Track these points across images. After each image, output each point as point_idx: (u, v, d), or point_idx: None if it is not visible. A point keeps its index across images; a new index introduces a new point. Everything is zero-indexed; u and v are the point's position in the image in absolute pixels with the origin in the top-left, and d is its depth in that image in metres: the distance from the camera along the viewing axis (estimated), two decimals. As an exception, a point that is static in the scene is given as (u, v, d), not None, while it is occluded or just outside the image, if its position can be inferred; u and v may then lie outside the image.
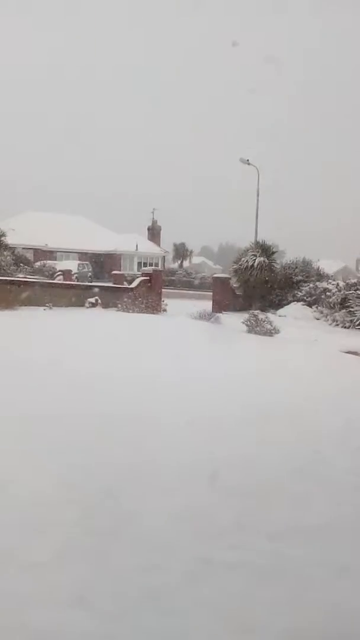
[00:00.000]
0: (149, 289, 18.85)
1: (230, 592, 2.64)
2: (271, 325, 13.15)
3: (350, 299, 17.44)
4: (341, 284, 19.13)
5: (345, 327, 17.04)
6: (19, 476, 3.66)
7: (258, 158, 29.20)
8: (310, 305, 19.50)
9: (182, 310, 15.92)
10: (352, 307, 17.13)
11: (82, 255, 42.47)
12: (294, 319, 17.90)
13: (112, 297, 17.74)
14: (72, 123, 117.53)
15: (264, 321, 13.31)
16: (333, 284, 19.46)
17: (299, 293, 20.56)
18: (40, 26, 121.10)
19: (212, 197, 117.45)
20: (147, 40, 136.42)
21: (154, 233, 51.78)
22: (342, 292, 18.23)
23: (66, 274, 29.91)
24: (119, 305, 16.89)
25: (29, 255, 37.35)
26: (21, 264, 28.49)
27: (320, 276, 22.40)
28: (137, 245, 46.10)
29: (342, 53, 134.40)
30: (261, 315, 13.79)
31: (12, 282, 16.38)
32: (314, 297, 19.57)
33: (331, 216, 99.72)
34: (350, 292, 17.70)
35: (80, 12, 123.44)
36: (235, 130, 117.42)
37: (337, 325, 17.49)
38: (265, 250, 22.31)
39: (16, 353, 7.85)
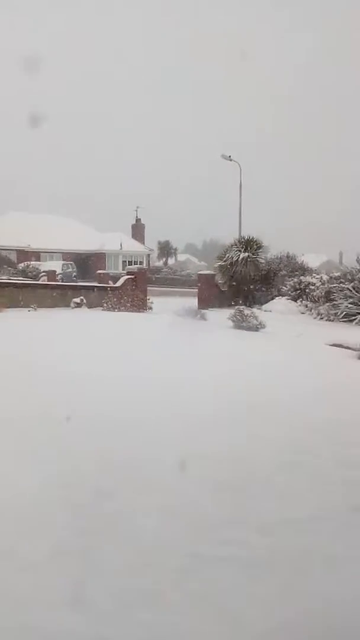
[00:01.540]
0: (134, 288, 18.84)
1: (221, 586, 2.66)
2: (257, 320, 13.22)
3: (334, 292, 17.59)
4: (325, 277, 19.29)
5: (329, 320, 17.19)
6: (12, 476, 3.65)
7: (242, 155, 29.26)
8: (295, 299, 19.64)
9: (168, 308, 15.94)
10: (336, 300, 17.28)
11: (66, 255, 42.26)
12: (279, 313, 18.02)
13: (98, 297, 17.71)
14: (55, 122, 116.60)
15: (249, 316, 13.37)
16: (317, 278, 19.61)
17: (283, 288, 20.69)
18: (38, 23, 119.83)
19: (196, 194, 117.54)
20: (139, 36, 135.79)
21: (137, 231, 51.73)
22: (326, 286, 18.38)
23: (50, 274, 29.76)
24: (105, 305, 16.86)
25: (12, 257, 37.08)
26: (4, 266, 28.31)
27: (304, 270, 22.57)
28: (121, 244, 45.99)
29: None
30: (247, 311, 13.85)
31: (-5, 284, 16.27)
32: (298, 292, 19.72)
33: (314, 210, 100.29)
34: (334, 285, 17.85)
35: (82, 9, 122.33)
36: (219, 127, 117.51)
37: (322, 318, 17.64)
38: (249, 245, 22.39)
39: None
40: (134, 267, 20.74)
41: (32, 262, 34.83)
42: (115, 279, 22.93)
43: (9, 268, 29.17)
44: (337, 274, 18.95)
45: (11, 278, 22.07)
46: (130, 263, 40.45)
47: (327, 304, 17.78)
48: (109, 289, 19.03)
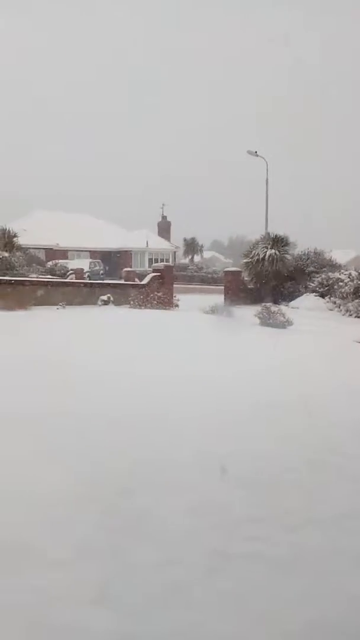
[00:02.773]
0: (160, 285, 18.87)
1: (250, 584, 2.66)
2: (284, 317, 13.11)
3: (363, 289, 17.33)
4: (354, 273, 19.00)
5: (359, 317, 16.93)
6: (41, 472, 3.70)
7: (268, 150, 29.00)
8: (322, 296, 19.40)
9: (195, 305, 15.93)
10: (366, 297, 17.02)
11: (94, 254, 42.59)
12: (306, 310, 17.83)
13: (124, 294, 17.80)
14: (77, 121, 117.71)
15: (276, 313, 13.27)
16: (345, 274, 19.33)
17: (311, 284, 20.46)
18: (37, 26, 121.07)
19: (222, 191, 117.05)
20: (147, 39, 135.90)
21: (164, 229, 51.80)
22: (354, 282, 18.10)
23: (78, 272, 30.06)
24: (131, 302, 16.94)
25: (41, 255, 37.56)
26: (33, 264, 28.71)
27: (333, 266, 22.27)
28: (147, 242, 46.12)
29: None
30: (274, 308, 13.75)
31: (25, 283, 16.51)
32: (326, 288, 19.47)
33: (343, 207, 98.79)
34: (364, 281, 17.58)
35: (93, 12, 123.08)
36: (243, 122, 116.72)
37: (351, 315, 17.39)
38: (276, 242, 22.21)
39: (30, 352, 7.91)
40: (160, 265, 20.76)
41: (60, 261, 35.21)
42: (142, 276, 23.03)
43: (38, 266, 29.55)
44: (366, 270, 18.67)
45: (40, 276, 22.33)
46: (156, 261, 40.58)
47: (356, 300, 17.51)
48: (135, 286, 19.11)
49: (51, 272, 29.49)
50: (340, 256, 34.29)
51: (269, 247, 21.88)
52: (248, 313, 14.16)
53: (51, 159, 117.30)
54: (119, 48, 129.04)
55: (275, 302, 18.47)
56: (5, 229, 22.99)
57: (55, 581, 2.59)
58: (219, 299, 19.51)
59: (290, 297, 20.93)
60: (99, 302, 17.03)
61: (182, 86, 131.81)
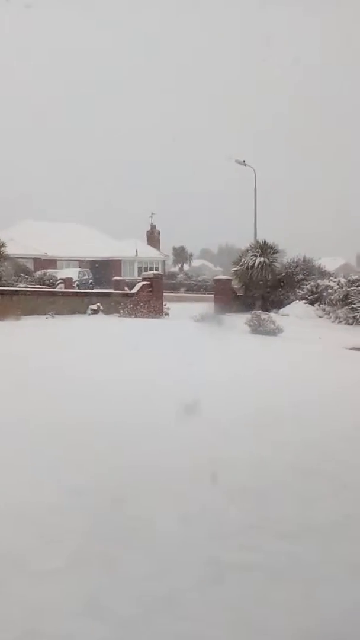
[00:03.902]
0: (150, 294, 18.85)
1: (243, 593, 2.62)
2: (274, 325, 13.13)
3: (352, 295, 17.42)
4: (342, 280, 19.11)
5: (348, 324, 17.02)
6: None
7: (255, 159, 29.25)
8: (312, 303, 19.48)
9: (184, 314, 15.92)
10: (355, 304, 17.10)
11: (82, 263, 42.49)
12: (296, 317, 17.89)
13: (114, 303, 17.75)
14: (64, 128, 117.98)
15: (266, 321, 13.29)
16: (334, 281, 19.43)
17: (300, 292, 20.54)
18: (39, 32, 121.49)
19: (210, 199, 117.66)
20: (140, 39, 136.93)
21: (153, 237, 51.89)
22: (343, 289, 18.20)
23: (67, 282, 29.95)
24: (121, 311, 16.90)
25: (29, 265, 37.40)
26: (22, 274, 28.57)
27: (322, 274, 22.39)
28: (136, 251, 46.15)
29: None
30: (264, 315, 13.78)
31: (13, 293, 16.41)
32: (315, 295, 19.56)
33: (331, 214, 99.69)
34: (352, 288, 17.68)
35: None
36: (232, 131, 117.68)
37: (340, 322, 17.47)
38: (265, 250, 22.30)
39: (22, 361, 7.84)
40: (149, 273, 20.76)
41: (48, 270, 35.07)
42: (131, 285, 22.99)
43: (26, 276, 29.41)
44: (355, 277, 18.76)
45: (28, 286, 22.22)
46: (145, 269, 40.55)
47: (345, 307, 17.60)
48: (125, 295, 19.07)
49: (40, 281, 29.34)
50: (329, 263, 34.55)
51: (258, 254, 21.96)
52: (238, 321, 14.17)
53: (38, 169, 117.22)
54: (117, 60, 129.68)
55: (265, 309, 18.50)
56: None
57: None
58: (209, 307, 19.52)
59: (280, 304, 20.99)
60: (89, 312, 16.97)
61: (179, 94, 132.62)
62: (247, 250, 22.91)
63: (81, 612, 2.41)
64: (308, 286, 20.23)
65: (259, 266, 21.60)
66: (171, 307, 19.38)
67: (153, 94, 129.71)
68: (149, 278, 19.93)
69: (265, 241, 23.03)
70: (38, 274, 33.21)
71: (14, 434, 4.68)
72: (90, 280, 36.00)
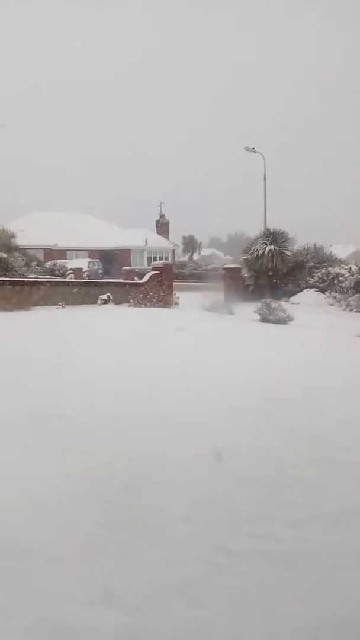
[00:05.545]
0: (160, 283, 18.81)
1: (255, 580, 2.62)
2: (284, 313, 13.07)
3: (363, 283, 17.30)
4: (354, 268, 18.97)
5: (359, 312, 16.90)
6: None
7: (264, 145, 28.93)
8: (323, 291, 19.36)
9: (194, 303, 15.89)
10: (366, 291, 16.99)
11: (92, 253, 42.49)
12: (307, 305, 17.80)
13: (124, 293, 17.75)
14: (74, 122, 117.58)
15: (277, 309, 13.24)
16: (345, 269, 19.29)
17: (311, 279, 20.41)
18: (39, 29, 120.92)
19: (220, 187, 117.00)
20: (143, 41, 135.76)
21: (162, 227, 51.69)
22: (355, 277, 18.07)
23: (77, 272, 29.97)
24: (131, 301, 16.90)
25: (39, 255, 37.47)
26: (32, 264, 28.64)
27: (333, 261, 22.22)
28: (146, 240, 46.04)
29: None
30: (274, 304, 13.71)
31: (24, 283, 16.47)
32: (326, 283, 19.44)
33: (342, 201, 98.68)
34: (364, 275, 17.55)
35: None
36: (240, 117, 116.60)
37: (352, 310, 17.36)
38: (275, 238, 22.14)
39: (29, 354, 7.88)
40: (159, 263, 20.73)
41: (59, 261, 35.12)
42: (141, 275, 22.96)
43: (37, 267, 29.48)
44: (366, 264, 18.63)
45: (39, 276, 22.27)
46: (155, 259, 40.50)
47: (357, 295, 17.48)
48: (135, 285, 19.06)
49: (50, 272, 29.40)
50: (340, 251, 34.23)
51: (268, 243, 21.82)
52: (248, 309, 14.12)
53: (44, 161, 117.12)
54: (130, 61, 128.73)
55: (276, 298, 18.42)
56: (3, 230, 22.93)
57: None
58: (218, 295, 19.45)
59: (290, 292, 20.88)
60: (99, 302, 16.98)
61: (183, 91, 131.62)
62: (257, 239, 22.77)
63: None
64: (319, 274, 20.10)
65: (269, 254, 21.46)
66: (181, 296, 19.33)
67: (162, 82, 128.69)
68: (159, 267, 19.88)
69: (275, 229, 22.87)
70: (48, 264, 33.26)
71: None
72: (100, 270, 36.01)
